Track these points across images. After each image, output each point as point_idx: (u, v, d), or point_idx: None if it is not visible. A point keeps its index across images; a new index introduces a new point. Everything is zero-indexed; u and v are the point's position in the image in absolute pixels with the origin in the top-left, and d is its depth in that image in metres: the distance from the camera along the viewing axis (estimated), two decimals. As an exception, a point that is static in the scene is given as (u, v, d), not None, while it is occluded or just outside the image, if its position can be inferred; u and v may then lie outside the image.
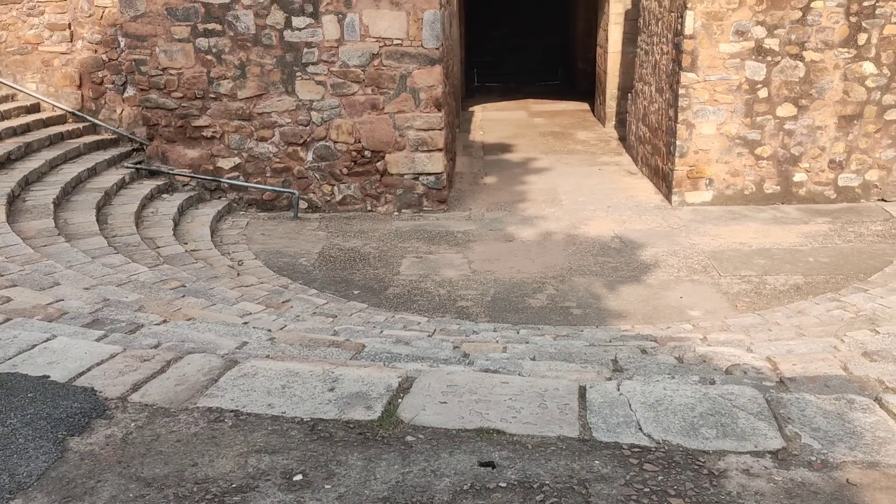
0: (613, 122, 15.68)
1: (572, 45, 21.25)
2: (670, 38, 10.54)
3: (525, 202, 11.00)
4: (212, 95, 10.26)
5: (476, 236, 9.62)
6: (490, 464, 2.30)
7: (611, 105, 15.71)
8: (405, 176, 10.61)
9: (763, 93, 10.03)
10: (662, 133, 10.94)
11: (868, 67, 9.84)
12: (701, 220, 9.90)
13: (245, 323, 5.11)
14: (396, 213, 10.64)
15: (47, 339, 3.08)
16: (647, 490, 2.21)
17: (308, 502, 2.17)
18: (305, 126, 10.41)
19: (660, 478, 2.26)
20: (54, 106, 11.44)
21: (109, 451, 2.38)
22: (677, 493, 2.19)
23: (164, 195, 10.21)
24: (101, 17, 11.18)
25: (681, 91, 10.08)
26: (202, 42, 10.06)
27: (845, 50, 9.79)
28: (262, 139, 10.47)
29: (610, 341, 5.24)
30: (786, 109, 10.06)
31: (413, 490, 2.20)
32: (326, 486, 2.23)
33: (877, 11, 9.63)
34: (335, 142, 10.49)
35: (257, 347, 3.68)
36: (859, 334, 4.80)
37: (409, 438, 2.45)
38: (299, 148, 10.52)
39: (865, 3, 9.61)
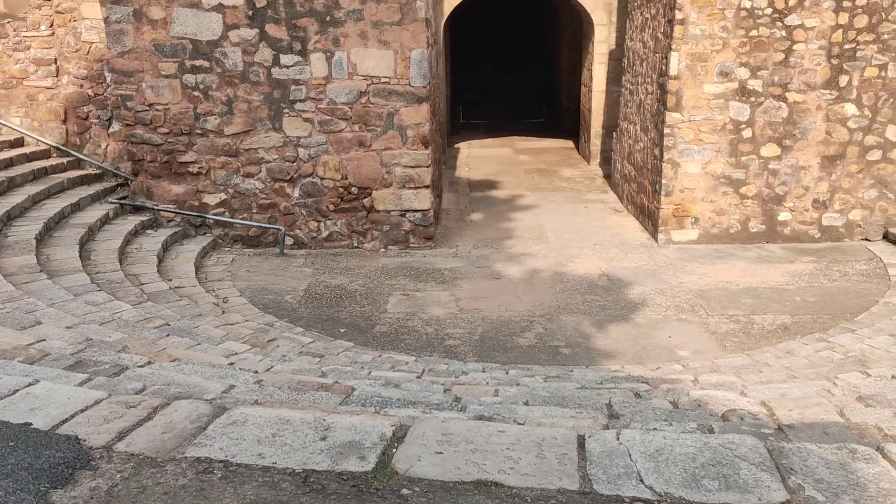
0: (598, 160, 15.79)
1: (557, 84, 21.49)
2: (655, 79, 10.66)
3: (512, 239, 10.99)
4: (198, 131, 10.23)
5: (463, 273, 9.58)
6: (489, 518, 2.23)
7: (595, 143, 15.84)
8: (392, 213, 10.58)
9: (747, 133, 10.14)
10: (648, 171, 11.01)
11: (850, 109, 9.98)
12: (687, 259, 9.92)
13: (231, 364, 5.01)
14: (383, 250, 10.60)
15: (29, 384, 2.99)
16: (651, 545, 2.15)
17: (301, 560, 2.08)
18: (292, 162, 10.39)
19: (663, 532, 2.20)
20: (38, 140, 11.36)
21: (93, 505, 2.29)
22: (681, 549, 2.13)
23: (149, 231, 10.11)
24: (88, 52, 11.17)
25: (666, 130, 10.17)
26: (189, 78, 10.05)
27: (827, 91, 9.94)
28: (249, 175, 10.43)
29: (601, 383, 5.19)
30: (770, 149, 10.17)
31: (410, 546, 2.13)
32: (320, 542, 2.15)
33: (857, 54, 9.80)
34: (322, 178, 10.46)
35: (245, 391, 3.60)
36: (851, 377, 4.78)
37: (404, 491, 2.38)
38: (286, 184, 10.49)
39: (846, 46, 9.78)
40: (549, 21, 21.93)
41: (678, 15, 9.83)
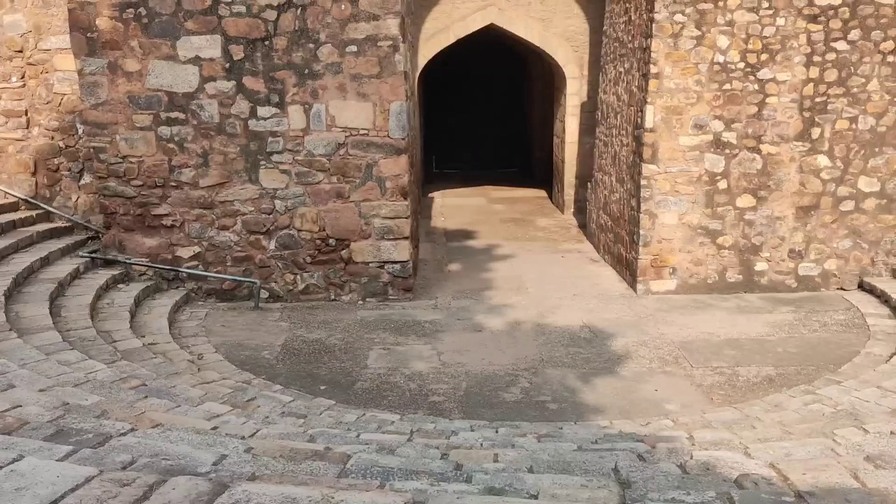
0: (572, 210, 15.89)
1: (529, 135, 21.73)
2: (630, 131, 10.78)
3: (491, 290, 10.92)
4: (173, 184, 10.08)
5: (444, 326, 9.46)
6: None
7: (569, 193, 15.95)
8: (370, 264, 10.47)
9: (723, 184, 10.26)
10: (625, 222, 11.06)
11: (822, 160, 10.17)
12: (667, 310, 9.92)
13: (215, 428, 4.82)
14: (361, 303, 10.45)
15: (14, 460, 2.79)
16: None
17: None
18: (269, 214, 10.27)
19: None
20: (6, 193, 11.11)
21: None
22: None
23: (121, 285, 9.87)
24: (60, 104, 11.01)
25: (643, 182, 10.25)
26: (164, 130, 9.93)
27: (800, 143, 10.12)
28: (224, 228, 10.27)
29: (595, 441, 5.08)
30: (745, 200, 10.29)
31: None
32: None
33: (828, 107, 10.01)
34: (299, 230, 10.34)
35: (238, 462, 3.43)
36: (849, 433, 4.73)
37: (424, 576, 2.24)
38: (262, 236, 10.34)
39: (818, 99, 9.99)
40: (521, 74, 22.25)
41: (653, 69, 9.99)
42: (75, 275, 9.55)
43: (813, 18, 9.86)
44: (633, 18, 10.83)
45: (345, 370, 8.10)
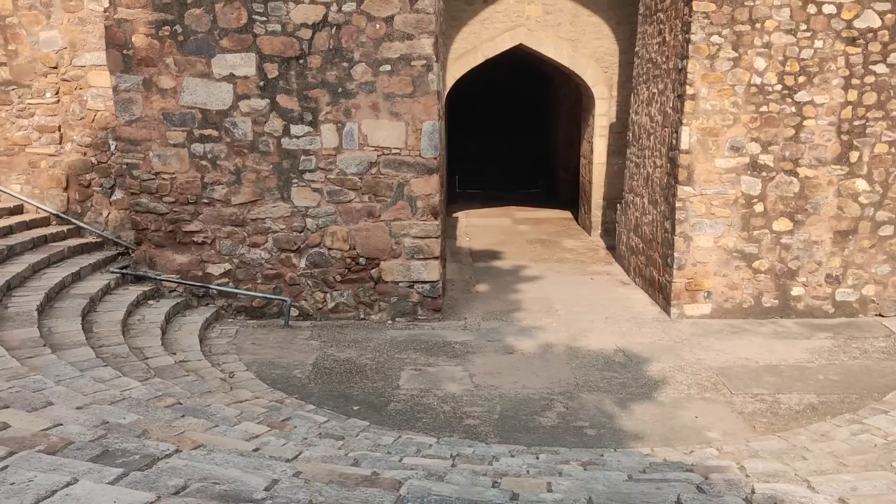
0: (599, 231, 15.76)
1: (554, 155, 21.65)
2: (664, 153, 10.67)
3: (520, 312, 10.80)
4: (205, 201, 10.07)
5: (475, 347, 9.34)
6: None
7: (596, 214, 15.83)
8: (400, 284, 10.39)
9: (759, 207, 10.11)
10: (658, 245, 10.93)
11: (861, 184, 10.00)
12: (702, 334, 9.75)
13: (256, 449, 4.73)
14: (390, 322, 10.36)
15: (69, 484, 2.72)
16: None
17: None
18: (300, 232, 10.23)
19: None
20: (38, 208, 11.15)
21: None
22: None
23: (151, 301, 9.84)
24: (93, 119, 11.06)
25: (677, 204, 10.12)
26: (198, 147, 9.94)
27: (838, 167, 9.97)
28: (255, 245, 10.24)
29: (643, 471, 4.94)
30: (782, 224, 10.13)
31: None
32: None
33: (867, 130, 9.86)
34: (329, 248, 10.29)
35: (290, 488, 3.33)
36: (910, 466, 4.56)
37: None
38: (292, 254, 10.30)
39: (856, 122, 9.85)
40: (546, 94, 22.22)
41: (689, 90, 9.89)
42: (106, 290, 9.53)
43: (852, 41, 9.74)
44: (667, 39, 10.75)
45: (377, 391, 8.00)
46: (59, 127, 11.17)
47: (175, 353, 8.36)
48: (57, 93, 11.13)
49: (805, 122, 9.87)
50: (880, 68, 9.78)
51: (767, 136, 9.93)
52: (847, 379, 8.23)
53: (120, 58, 9.78)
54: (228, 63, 9.77)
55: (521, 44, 15.22)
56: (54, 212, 11.15)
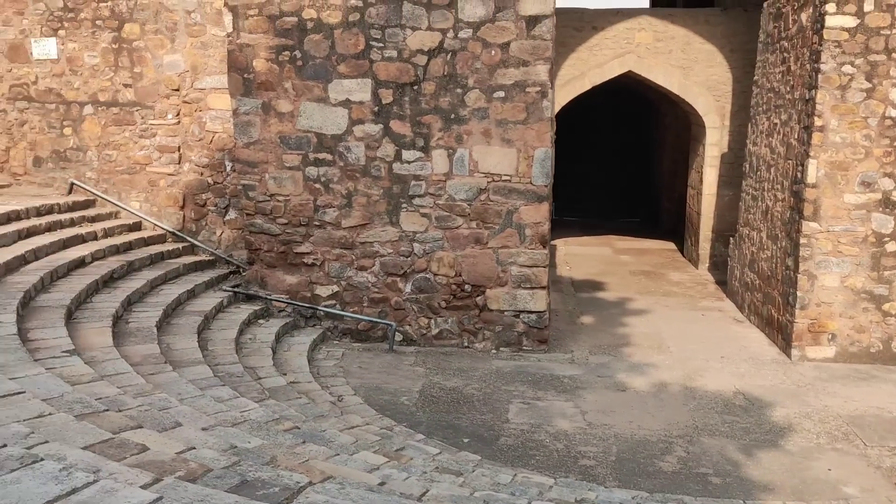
0: (707, 265, 15.22)
1: (656, 184, 21.15)
2: (787, 186, 10.20)
3: (629, 347, 10.45)
4: (316, 223, 10.18)
5: (584, 383, 9.06)
6: None
7: (704, 247, 15.29)
8: (505, 312, 10.22)
9: (891, 246, 9.51)
10: (777, 282, 10.41)
11: None
12: (827, 379, 9.19)
13: (382, 483, 4.63)
14: (494, 351, 10.19)
15: (227, 522, 2.65)
16: None
17: None
18: (407, 257, 10.20)
19: None
20: (155, 225, 11.51)
21: None
22: None
23: (261, 321, 9.97)
24: (211, 141, 11.37)
25: (802, 240, 9.63)
26: (312, 171, 10.07)
27: (982, 206, 9.29)
28: (362, 268, 10.26)
29: (788, 530, 4.60)
30: (917, 265, 9.51)
31: None
32: None
33: None
34: (435, 274, 10.22)
35: (436, 533, 3.20)
36: None
37: None
38: (398, 279, 10.27)
39: None
40: (649, 122, 21.77)
41: (817, 122, 9.42)
42: (219, 308, 9.71)
43: None
44: (792, 69, 10.30)
45: (486, 423, 7.82)
46: (179, 147, 11.53)
47: (286, 374, 8.41)
48: (178, 114, 11.51)
49: (946, 158, 9.26)
50: None
51: (903, 171, 9.35)
52: None
53: (241, 81, 10.02)
54: (344, 88, 9.89)
55: (629, 71, 14.93)
56: (170, 229, 11.49)
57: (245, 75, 10.01)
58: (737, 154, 14.65)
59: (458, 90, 9.80)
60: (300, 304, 10.28)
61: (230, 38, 9.99)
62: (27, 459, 3.14)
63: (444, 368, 9.46)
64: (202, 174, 11.49)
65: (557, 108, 15.18)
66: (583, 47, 15.01)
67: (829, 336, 9.74)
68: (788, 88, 10.43)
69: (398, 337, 10.28)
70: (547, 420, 7.92)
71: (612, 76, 15.06)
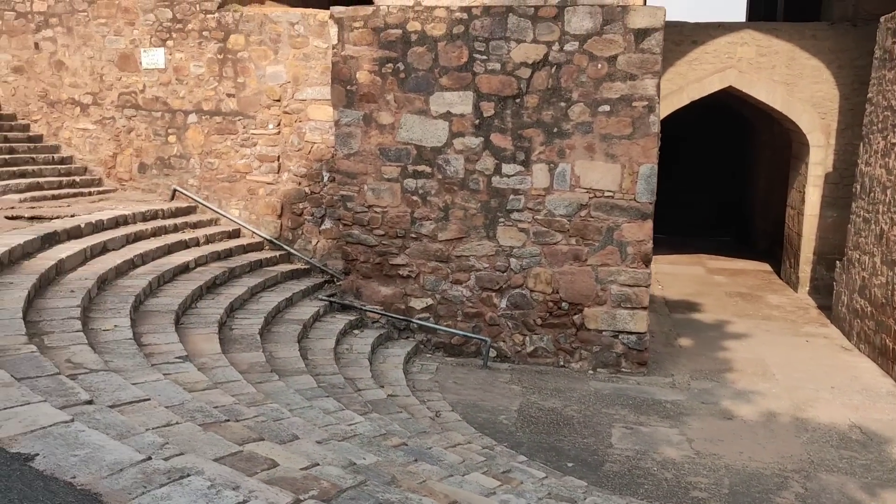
0: (808, 288, 14.60)
1: (750, 203, 20.48)
2: (907, 209, 9.66)
3: (732, 372, 10.05)
4: (412, 235, 10.14)
5: (688, 409, 8.73)
6: None
7: (805, 269, 14.68)
8: (604, 332, 9.96)
9: None
10: (892, 310, 9.87)
11: None
12: (951, 416, 8.64)
13: (503, 510, 4.49)
14: (591, 372, 9.94)
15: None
16: None
17: None
18: (502, 272, 10.06)
19: None
20: (253, 233, 11.67)
21: None
22: None
23: (356, 331, 9.97)
24: (310, 151, 11.47)
25: (924, 267, 9.10)
26: (410, 183, 10.05)
27: None
28: (457, 282, 10.17)
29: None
30: None
31: None
32: None
33: None
34: (532, 290, 10.05)
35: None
36: None
37: None
38: (494, 294, 10.14)
39: None
40: (742, 139, 21.11)
41: (945, 142, 8.91)
42: (316, 317, 9.75)
43: None
44: (915, 86, 9.78)
45: (588, 447, 7.59)
46: (279, 157, 11.68)
47: (383, 387, 8.36)
48: (278, 124, 11.65)
49: None
50: None
51: None
52: None
53: (344, 93, 10.09)
54: (446, 101, 9.84)
55: (730, 86, 14.48)
56: (268, 237, 11.62)
57: (348, 87, 10.08)
58: (842, 174, 14.04)
59: (562, 104, 9.64)
60: (394, 315, 10.25)
61: (335, 49, 10.08)
62: (174, 474, 3.11)
63: (541, 388, 9.27)
64: (300, 184, 11.60)
65: (653, 124, 14.85)
66: (682, 61, 14.64)
67: (953, 370, 9.18)
68: (910, 107, 9.91)
69: (492, 353, 10.14)
70: (652, 447, 7.64)
71: (712, 91, 14.63)
